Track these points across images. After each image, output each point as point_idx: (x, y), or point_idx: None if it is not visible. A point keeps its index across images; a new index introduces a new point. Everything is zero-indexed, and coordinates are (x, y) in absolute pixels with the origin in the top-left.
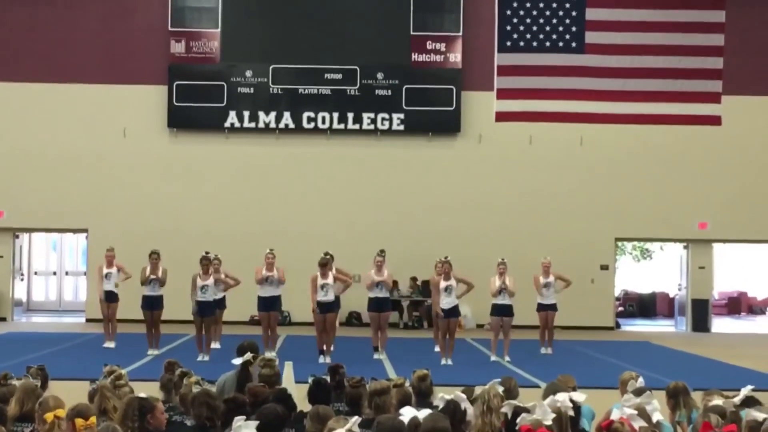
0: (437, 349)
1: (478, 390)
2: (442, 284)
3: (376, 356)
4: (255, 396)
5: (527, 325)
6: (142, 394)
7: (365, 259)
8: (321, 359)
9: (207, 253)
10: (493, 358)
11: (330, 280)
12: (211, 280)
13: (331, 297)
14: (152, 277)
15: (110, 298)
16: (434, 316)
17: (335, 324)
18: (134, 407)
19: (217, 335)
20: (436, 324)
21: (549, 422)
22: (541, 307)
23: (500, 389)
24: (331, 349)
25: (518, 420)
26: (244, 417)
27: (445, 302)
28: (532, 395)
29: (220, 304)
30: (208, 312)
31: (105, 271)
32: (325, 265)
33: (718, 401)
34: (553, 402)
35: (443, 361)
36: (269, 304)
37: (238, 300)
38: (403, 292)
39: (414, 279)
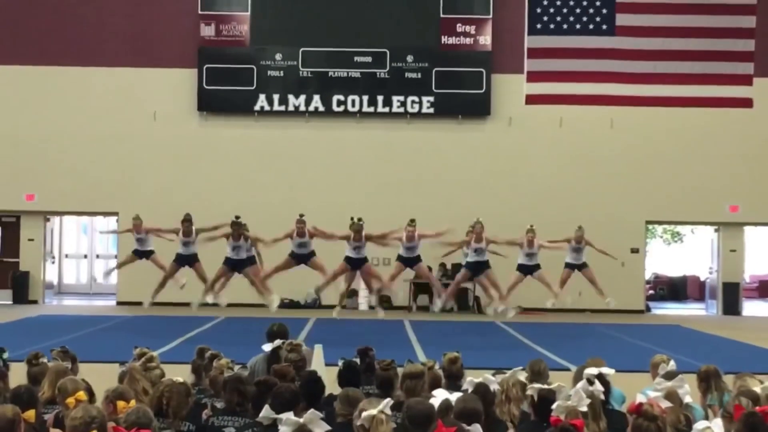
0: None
1: (499, 377)
2: (474, 246)
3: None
4: (282, 376)
5: (562, 308)
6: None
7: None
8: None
9: (237, 217)
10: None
11: (362, 242)
12: (242, 241)
13: (362, 255)
14: (186, 239)
15: (148, 255)
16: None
17: (371, 270)
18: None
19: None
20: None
21: (584, 408)
22: (569, 266)
23: (522, 377)
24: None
25: (553, 408)
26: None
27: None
28: (561, 378)
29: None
30: (240, 266)
31: (136, 236)
32: (358, 231)
33: (750, 384)
34: (585, 386)
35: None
36: (300, 258)
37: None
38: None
39: (443, 265)
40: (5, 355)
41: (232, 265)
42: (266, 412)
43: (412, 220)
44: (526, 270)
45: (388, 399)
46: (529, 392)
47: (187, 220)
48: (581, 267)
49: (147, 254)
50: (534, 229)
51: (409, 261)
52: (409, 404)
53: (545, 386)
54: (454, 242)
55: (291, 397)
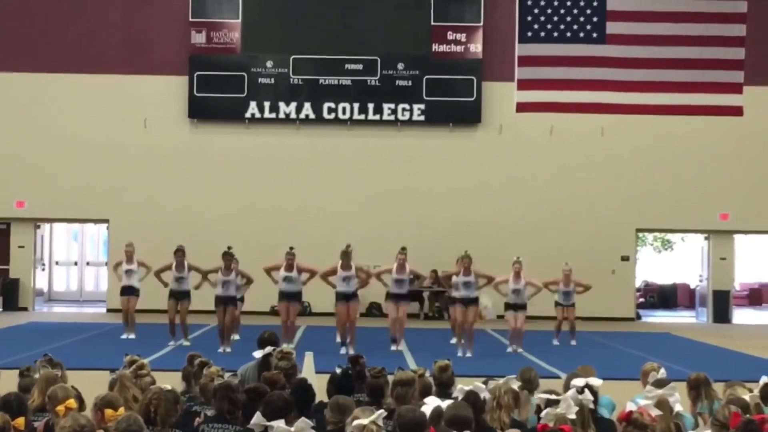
0: (453, 341)
1: (491, 384)
2: (462, 279)
3: (393, 348)
4: (272, 384)
5: (545, 315)
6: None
7: (386, 249)
8: (343, 350)
9: (230, 248)
10: (509, 349)
11: (352, 271)
12: (232, 276)
13: (352, 288)
14: (178, 275)
15: (130, 292)
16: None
17: (356, 315)
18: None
19: (236, 328)
20: (454, 315)
21: (573, 416)
22: (559, 304)
23: (515, 385)
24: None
25: (542, 415)
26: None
27: (463, 293)
28: (552, 386)
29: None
30: (231, 303)
31: (125, 267)
32: (347, 254)
33: (740, 393)
34: (575, 395)
35: (459, 353)
36: (290, 297)
37: (258, 290)
38: (423, 283)
39: (434, 271)
40: None
41: (224, 303)
42: (258, 419)
43: (403, 248)
44: (513, 308)
45: (381, 411)
46: (536, 401)
47: (179, 251)
48: (569, 306)
49: (131, 292)
50: (521, 261)
51: (400, 298)
52: (401, 412)
53: (553, 396)
54: (449, 272)
55: (283, 405)
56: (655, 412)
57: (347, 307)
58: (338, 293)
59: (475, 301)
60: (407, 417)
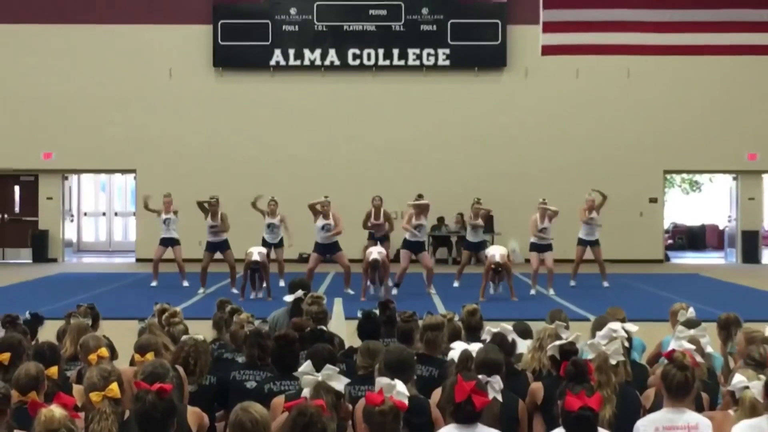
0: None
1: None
2: (472, 222)
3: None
4: (299, 329)
5: (570, 258)
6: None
7: (412, 194)
8: (372, 291)
9: (271, 198)
10: (533, 291)
11: (381, 220)
12: (277, 219)
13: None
14: (212, 223)
15: (172, 243)
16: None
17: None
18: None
19: (281, 273)
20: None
21: (591, 355)
22: (582, 242)
23: (564, 334)
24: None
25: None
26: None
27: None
28: (580, 328)
29: (278, 244)
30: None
31: (164, 216)
32: (378, 207)
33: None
34: (609, 332)
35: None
36: (325, 249)
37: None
38: (450, 228)
39: (461, 215)
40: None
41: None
42: (307, 367)
43: (420, 195)
44: (538, 249)
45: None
46: (549, 352)
47: (213, 203)
48: (593, 244)
49: (172, 243)
50: (546, 202)
51: (415, 246)
52: (389, 349)
53: (564, 341)
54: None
55: (328, 356)
56: (698, 359)
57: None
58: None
59: (482, 245)
60: (394, 355)
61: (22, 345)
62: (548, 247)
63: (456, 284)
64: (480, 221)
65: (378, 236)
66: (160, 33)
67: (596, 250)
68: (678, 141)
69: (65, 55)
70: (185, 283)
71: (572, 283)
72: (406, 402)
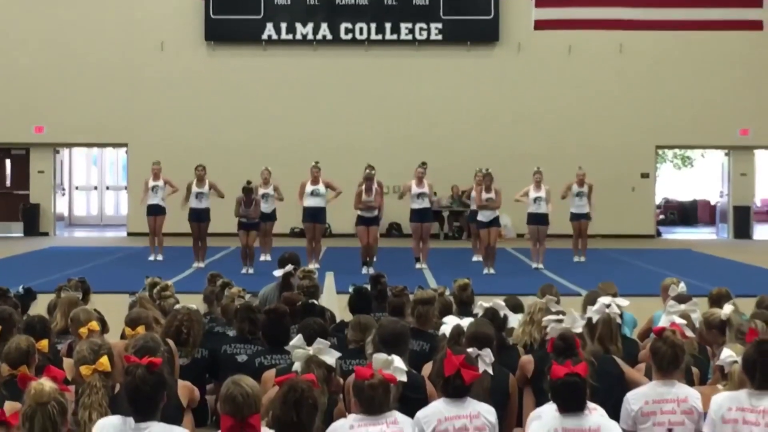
0: (476, 258)
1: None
2: (484, 195)
3: (417, 266)
4: (290, 304)
5: (565, 233)
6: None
7: (404, 169)
8: (364, 270)
9: (249, 182)
10: (535, 265)
11: (373, 194)
12: (270, 189)
13: (373, 213)
14: (198, 190)
15: (156, 211)
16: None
17: (377, 236)
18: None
19: (268, 247)
20: (476, 234)
21: (579, 330)
22: (574, 217)
23: (554, 308)
24: (374, 260)
25: (548, 330)
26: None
27: (484, 215)
28: (572, 303)
29: (271, 216)
30: (255, 226)
31: (151, 183)
32: (370, 179)
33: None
34: (601, 307)
35: (485, 270)
36: (314, 215)
37: (279, 212)
38: (443, 203)
39: (454, 189)
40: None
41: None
42: (298, 341)
43: (423, 163)
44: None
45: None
46: (544, 324)
47: (200, 167)
48: (584, 217)
49: (157, 211)
50: (541, 171)
51: (421, 215)
52: (382, 323)
53: (560, 317)
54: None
55: (320, 329)
56: (689, 333)
57: (367, 230)
58: (359, 217)
59: (495, 221)
60: (389, 329)
61: (12, 318)
62: (543, 220)
63: (475, 258)
64: (492, 194)
65: (368, 217)
66: (152, 6)
67: (584, 224)
68: (670, 116)
69: (56, 27)
70: (159, 257)
71: (579, 258)
72: (405, 378)
